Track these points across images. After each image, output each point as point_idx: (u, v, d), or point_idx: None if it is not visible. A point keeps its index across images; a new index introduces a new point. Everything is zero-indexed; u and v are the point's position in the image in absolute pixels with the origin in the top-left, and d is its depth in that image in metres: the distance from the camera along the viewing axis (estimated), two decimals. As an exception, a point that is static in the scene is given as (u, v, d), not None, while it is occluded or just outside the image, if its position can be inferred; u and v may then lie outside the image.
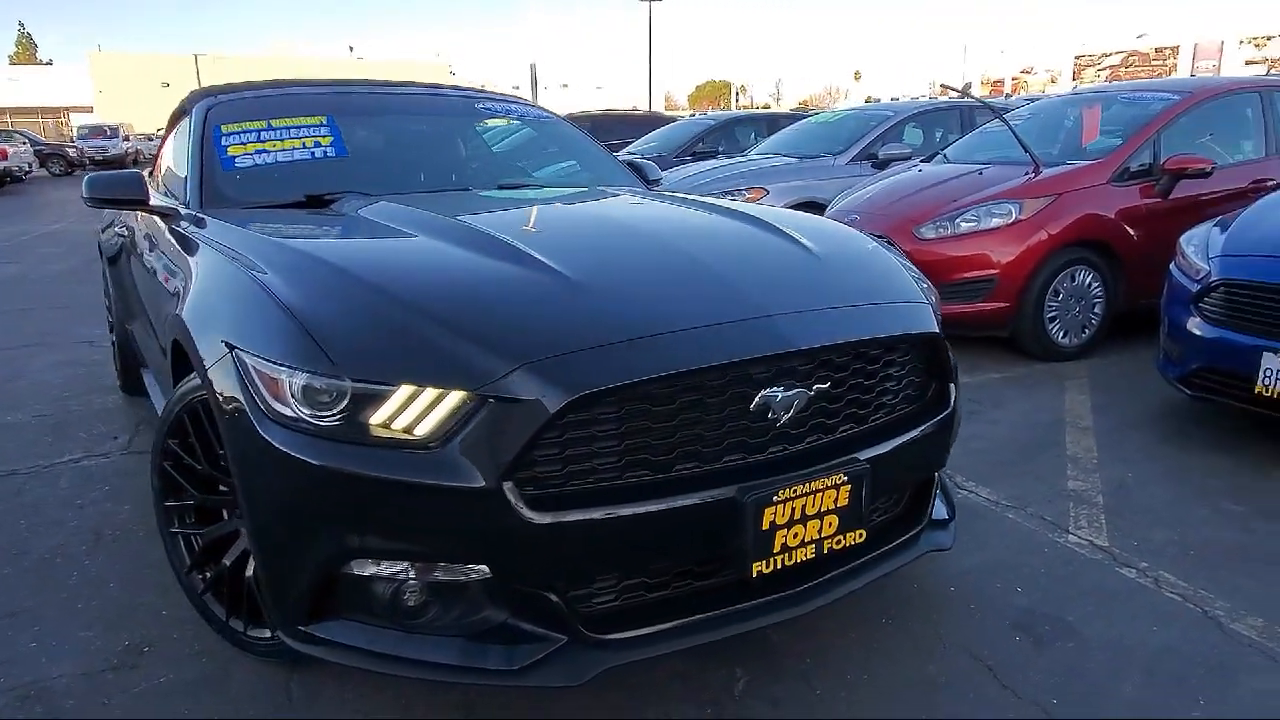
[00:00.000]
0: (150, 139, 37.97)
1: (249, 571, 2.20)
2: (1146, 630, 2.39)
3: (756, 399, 1.90)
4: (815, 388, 1.98)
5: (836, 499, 1.96)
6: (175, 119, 3.95)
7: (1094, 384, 4.62)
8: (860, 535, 2.04)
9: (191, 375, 2.24)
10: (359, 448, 1.75)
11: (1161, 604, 2.52)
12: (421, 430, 1.74)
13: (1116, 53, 40.34)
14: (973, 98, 8.58)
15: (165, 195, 3.38)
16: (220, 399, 1.94)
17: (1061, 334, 5.06)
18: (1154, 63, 38.33)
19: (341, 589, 1.85)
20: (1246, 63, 34.73)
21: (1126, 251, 5.10)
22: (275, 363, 1.82)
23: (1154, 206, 5.14)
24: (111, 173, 3.15)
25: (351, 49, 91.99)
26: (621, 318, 1.88)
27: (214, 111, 3.25)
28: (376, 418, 1.75)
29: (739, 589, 1.98)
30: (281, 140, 3.15)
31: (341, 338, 1.82)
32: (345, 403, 1.77)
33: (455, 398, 1.73)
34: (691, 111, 41.62)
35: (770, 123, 10.56)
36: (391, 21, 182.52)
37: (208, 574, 2.34)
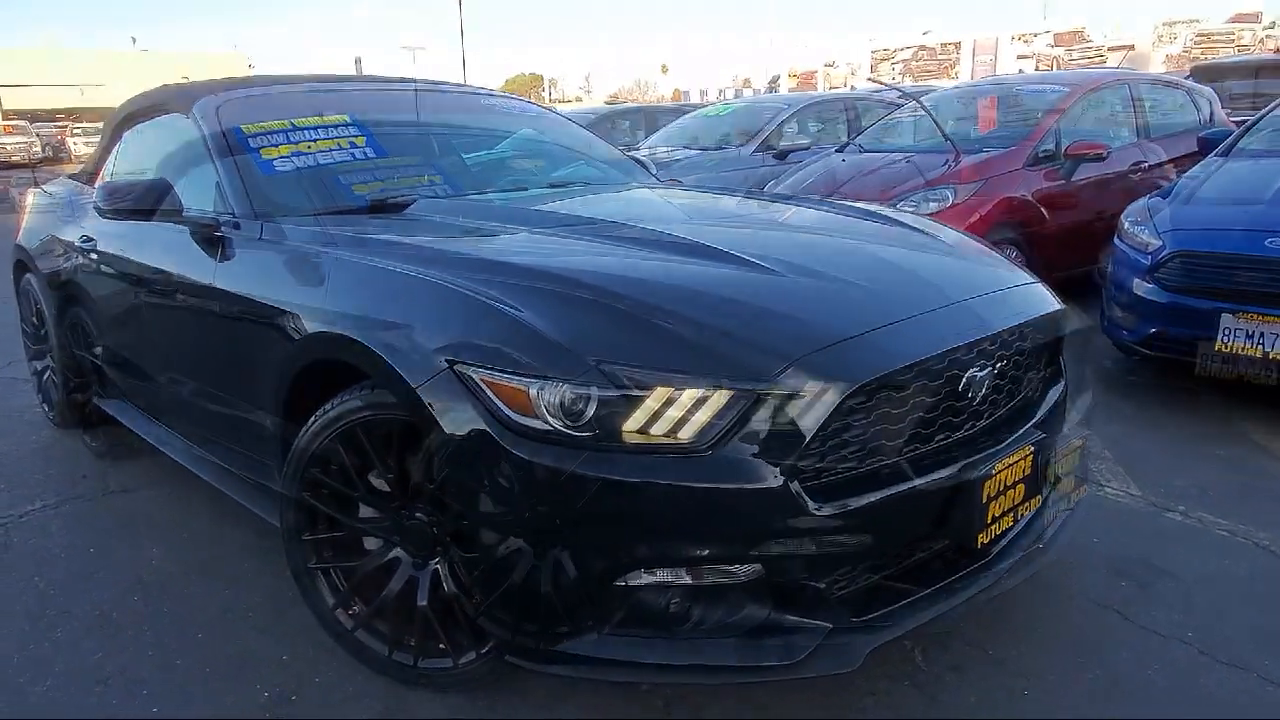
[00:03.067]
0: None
1: (420, 600, 2.08)
2: (1220, 563, 2.69)
3: (964, 379, 2.00)
4: (998, 366, 2.11)
5: (1025, 469, 2.10)
6: (137, 118, 3.57)
7: (1036, 352, 5.05)
8: (1038, 501, 2.19)
9: (342, 398, 2.08)
10: (634, 456, 1.70)
11: (1216, 540, 2.84)
12: (689, 432, 1.71)
13: (907, 48, 43.58)
14: (897, 88, 9.07)
15: None
16: (442, 419, 1.81)
17: (994, 308, 5.49)
18: (940, 57, 41.72)
19: (605, 603, 1.78)
20: (1018, 57, 38.49)
21: (1041, 230, 5.60)
22: (521, 375, 1.73)
23: (1060, 188, 5.67)
24: (134, 179, 2.81)
25: (134, 40, 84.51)
26: (853, 309, 1.93)
27: (225, 111, 2.96)
28: (642, 424, 1.71)
29: (946, 562, 2.08)
30: (314, 141, 2.91)
31: (594, 344, 1.75)
32: (605, 411, 1.71)
33: (724, 397, 1.71)
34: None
35: (648, 116, 10.71)
36: (181, 10, 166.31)
37: (355, 609, 2.19)
